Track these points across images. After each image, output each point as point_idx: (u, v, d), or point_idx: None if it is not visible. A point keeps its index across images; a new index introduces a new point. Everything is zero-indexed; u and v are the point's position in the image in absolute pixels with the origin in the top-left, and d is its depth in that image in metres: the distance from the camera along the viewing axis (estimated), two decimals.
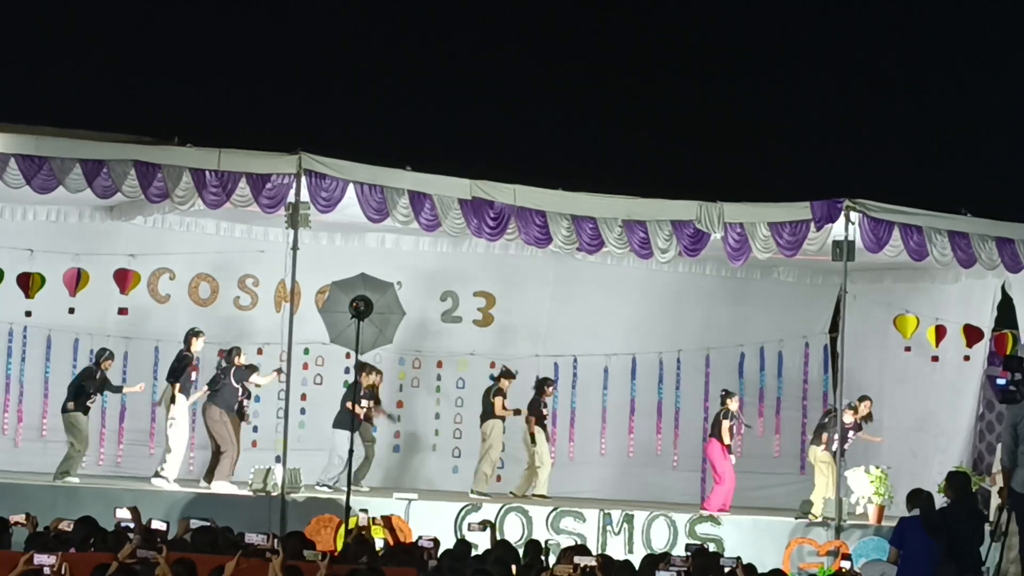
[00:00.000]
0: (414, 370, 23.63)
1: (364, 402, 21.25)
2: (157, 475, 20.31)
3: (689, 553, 14.44)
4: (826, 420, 22.14)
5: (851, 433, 21.83)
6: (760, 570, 14.13)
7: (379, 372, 21.96)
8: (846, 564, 16.63)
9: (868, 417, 22.15)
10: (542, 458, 22.11)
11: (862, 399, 22.11)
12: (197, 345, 20.79)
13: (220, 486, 20.22)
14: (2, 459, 20.63)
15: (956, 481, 16.12)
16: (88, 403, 20.52)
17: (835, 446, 21.36)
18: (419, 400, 23.48)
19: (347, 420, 19.98)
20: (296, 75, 30.67)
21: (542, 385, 22.46)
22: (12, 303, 21.22)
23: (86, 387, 20.51)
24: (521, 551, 15.02)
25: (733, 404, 21.92)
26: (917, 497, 16.02)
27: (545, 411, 22.46)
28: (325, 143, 19.94)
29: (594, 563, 12.64)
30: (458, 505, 19.83)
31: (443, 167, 20.31)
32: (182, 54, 30.08)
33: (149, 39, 30.39)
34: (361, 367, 20.89)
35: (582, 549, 14.62)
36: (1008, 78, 30.69)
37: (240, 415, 21.03)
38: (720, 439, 21.75)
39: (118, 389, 21.17)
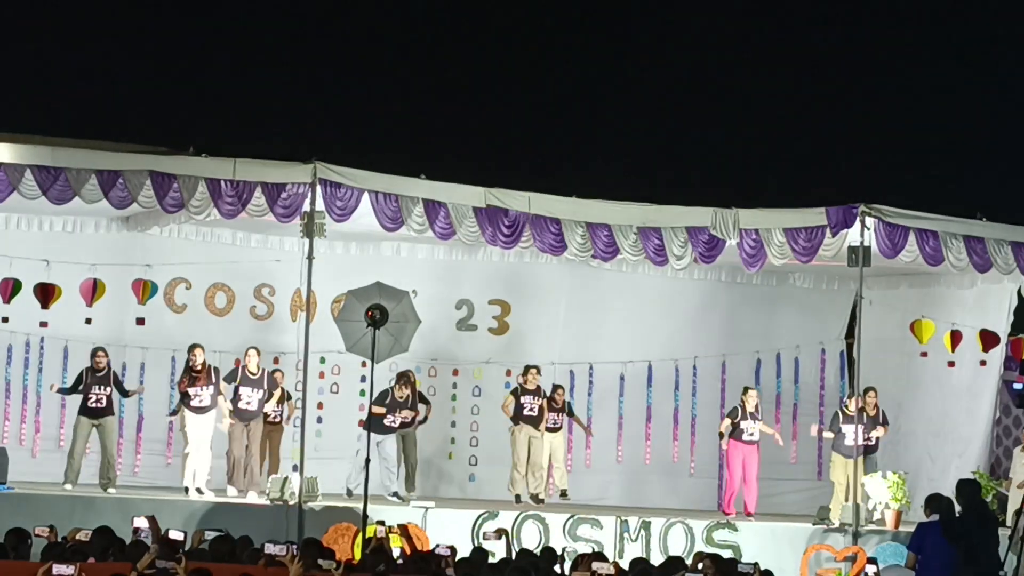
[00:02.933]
0: (430, 378, 23.63)
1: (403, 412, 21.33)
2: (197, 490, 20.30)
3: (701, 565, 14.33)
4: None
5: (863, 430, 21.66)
6: None
7: (409, 381, 21.82)
8: (871, 568, 16.55)
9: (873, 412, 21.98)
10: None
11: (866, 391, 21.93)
12: (196, 358, 20.60)
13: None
14: (20, 469, 20.61)
15: (966, 489, 16.11)
16: (91, 404, 20.40)
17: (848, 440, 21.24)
18: (435, 408, 23.45)
19: (374, 424, 20.32)
20: (310, 85, 30.73)
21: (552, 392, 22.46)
22: (29, 314, 21.26)
23: (82, 391, 20.50)
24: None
25: (749, 402, 21.72)
26: (936, 502, 15.99)
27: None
28: (340, 152, 19.98)
29: (612, 570, 12.64)
30: (475, 513, 19.84)
31: (457, 175, 20.33)
32: (196, 64, 30.15)
33: (163, 49, 30.47)
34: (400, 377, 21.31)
35: (598, 556, 14.61)
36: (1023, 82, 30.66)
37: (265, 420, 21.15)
38: (732, 436, 21.77)
39: (126, 393, 21.07)
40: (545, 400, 22.05)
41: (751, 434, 21.71)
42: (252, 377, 20.87)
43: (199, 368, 20.48)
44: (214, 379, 20.58)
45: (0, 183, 18.55)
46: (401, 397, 21.37)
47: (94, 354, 20.61)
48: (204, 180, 19.02)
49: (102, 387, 20.44)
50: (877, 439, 21.89)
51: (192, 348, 20.62)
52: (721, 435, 22.11)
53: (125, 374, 21.97)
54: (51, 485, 20.07)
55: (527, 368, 22.14)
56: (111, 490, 20.05)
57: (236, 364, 21.12)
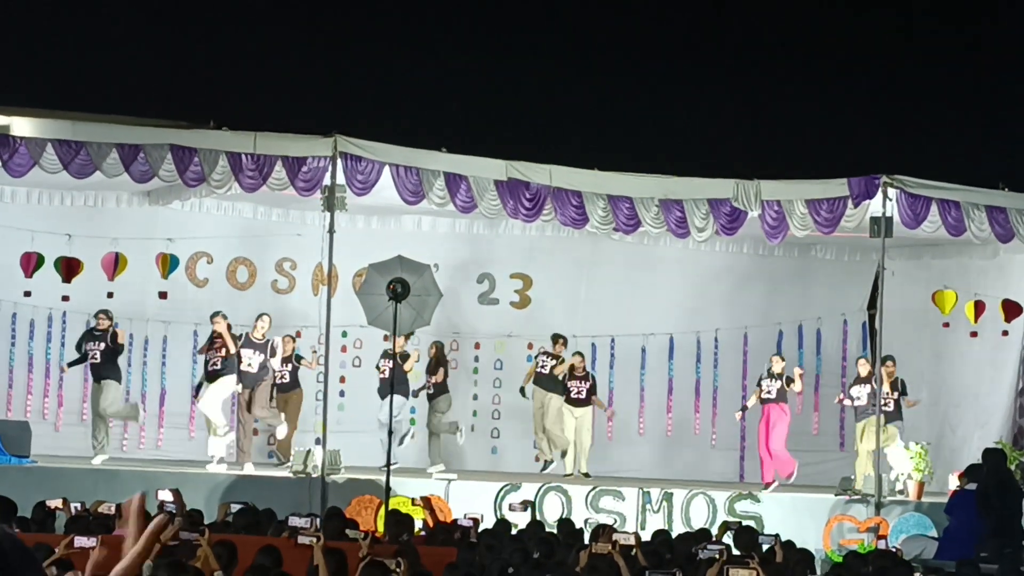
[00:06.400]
0: (452, 352, 23.66)
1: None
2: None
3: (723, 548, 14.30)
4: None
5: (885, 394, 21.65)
6: (800, 547, 14.10)
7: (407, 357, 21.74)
8: (883, 544, 16.58)
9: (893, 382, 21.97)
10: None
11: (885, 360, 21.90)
12: (219, 326, 20.49)
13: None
14: (44, 443, 20.70)
15: (991, 459, 16.10)
16: (90, 361, 20.41)
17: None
18: (457, 382, 23.49)
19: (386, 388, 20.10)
20: (331, 58, 30.69)
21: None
22: (52, 288, 21.33)
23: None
24: (554, 530, 15.05)
25: (775, 365, 21.69)
26: (977, 471, 15.94)
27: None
28: (360, 125, 19.97)
29: (633, 540, 12.68)
30: (497, 485, 19.88)
31: (478, 148, 20.31)
32: (216, 37, 30.13)
33: (183, 23, 30.45)
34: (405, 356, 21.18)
35: (613, 529, 14.61)
36: None
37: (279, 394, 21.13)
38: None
39: (119, 348, 20.73)
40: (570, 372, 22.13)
41: (768, 392, 21.59)
42: (256, 342, 20.72)
43: (216, 335, 20.43)
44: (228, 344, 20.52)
45: (22, 158, 18.61)
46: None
47: (96, 316, 20.50)
48: (225, 154, 19.05)
49: (97, 343, 20.37)
50: (895, 403, 21.74)
51: (211, 316, 20.55)
52: (744, 408, 22.11)
53: (147, 348, 22.05)
54: (75, 459, 20.14)
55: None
56: (99, 456, 19.99)
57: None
